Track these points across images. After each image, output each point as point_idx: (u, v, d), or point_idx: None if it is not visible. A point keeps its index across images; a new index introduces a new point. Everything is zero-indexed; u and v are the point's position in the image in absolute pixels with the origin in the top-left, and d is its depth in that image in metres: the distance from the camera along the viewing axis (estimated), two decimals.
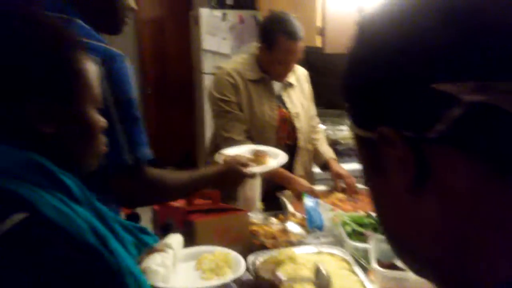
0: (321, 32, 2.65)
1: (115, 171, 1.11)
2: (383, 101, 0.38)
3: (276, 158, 1.74)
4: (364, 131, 0.41)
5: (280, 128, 2.09)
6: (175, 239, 1.22)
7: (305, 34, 2.84)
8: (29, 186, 0.61)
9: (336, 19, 2.60)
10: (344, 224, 1.62)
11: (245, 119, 2.02)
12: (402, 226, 0.41)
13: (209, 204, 1.54)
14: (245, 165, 1.51)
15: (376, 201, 0.44)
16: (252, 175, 1.55)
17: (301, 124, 2.13)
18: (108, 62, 1.09)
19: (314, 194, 1.94)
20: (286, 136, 2.11)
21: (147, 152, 1.16)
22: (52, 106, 0.66)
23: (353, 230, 1.61)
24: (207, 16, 3.98)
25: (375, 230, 1.59)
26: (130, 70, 1.15)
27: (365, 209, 1.93)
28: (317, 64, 3.65)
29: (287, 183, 2.03)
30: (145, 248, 0.77)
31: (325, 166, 2.21)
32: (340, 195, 2.06)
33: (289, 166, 2.12)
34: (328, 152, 2.25)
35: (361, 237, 1.57)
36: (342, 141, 2.87)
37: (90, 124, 0.72)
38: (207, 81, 4.11)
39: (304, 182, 2.03)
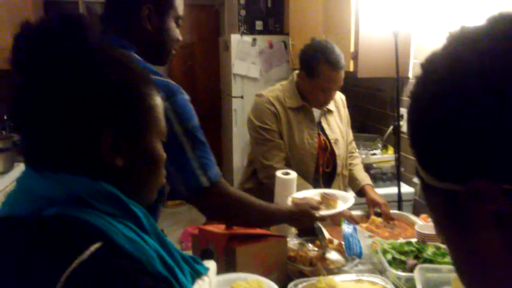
0: (354, 56, 2.66)
1: (193, 193, 1.23)
2: (478, 153, 0.36)
3: (345, 201, 1.78)
4: (446, 183, 0.39)
5: (319, 156, 2.08)
6: (210, 266, 1.22)
7: None
8: (102, 216, 0.63)
9: (369, 44, 2.61)
10: (384, 251, 1.59)
11: (285, 147, 2.03)
12: (499, 283, 0.38)
13: (247, 229, 1.54)
14: (316, 208, 1.59)
15: (461, 257, 0.42)
16: (322, 218, 1.62)
17: (340, 151, 2.12)
18: (171, 96, 1.17)
19: (353, 220, 1.92)
20: (325, 164, 2.10)
21: (217, 171, 1.28)
22: (124, 139, 0.68)
23: (393, 258, 1.57)
24: (237, 42, 4.06)
25: (416, 258, 1.56)
26: (188, 100, 1.24)
27: (402, 236, 1.90)
28: (350, 88, 3.66)
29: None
30: (197, 278, 0.77)
31: (361, 192, 2.18)
32: (377, 221, 2.03)
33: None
34: (364, 178, 2.21)
35: (402, 265, 1.54)
36: (375, 165, 2.84)
37: (157, 156, 0.74)
38: (235, 105, 4.17)
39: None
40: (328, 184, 2.13)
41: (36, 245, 0.61)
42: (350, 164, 2.24)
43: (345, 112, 2.24)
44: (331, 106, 2.14)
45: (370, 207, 2.10)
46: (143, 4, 1.25)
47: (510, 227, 0.35)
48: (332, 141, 2.10)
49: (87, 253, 0.57)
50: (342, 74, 1.98)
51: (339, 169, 2.12)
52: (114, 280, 0.57)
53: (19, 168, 3.00)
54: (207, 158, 1.25)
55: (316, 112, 2.10)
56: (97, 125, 0.65)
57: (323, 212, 1.63)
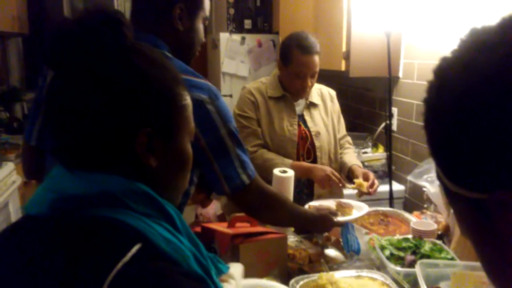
0: (346, 56, 2.69)
1: (236, 191, 1.28)
2: (501, 164, 0.36)
3: (360, 209, 1.85)
4: (471, 192, 0.40)
5: (299, 145, 2.13)
6: (237, 269, 1.22)
7: (330, 58, 2.89)
8: (139, 217, 0.62)
9: (361, 44, 2.64)
10: (382, 248, 1.62)
11: (264, 133, 2.11)
12: None
13: (248, 227, 1.55)
14: (335, 214, 1.67)
15: (489, 262, 0.43)
16: (339, 224, 1.67)
17: (321, 143, 2.16)
18: (214, 99, 1.22)
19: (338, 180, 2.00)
20: (305, 154, 2.15)
21: (253, 167, 1.34)
22: (158, 139, 0.67)
23: (391, 254, 1.60)
24: (226, 40, 4.05)
25: (414, 253, 1.59)
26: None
27: (396, 232, 1.93)
28: (342, 87, 3.69)
29: (309, 174, 2.05)
30: (219, 276, 0.77)
31: (349, 173, 2.19)
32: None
33: (310, 184, 2.18)
34: (352, 160, 2.21)
35: (400, 261, 1.57)
36: (366, 163, 2.88)
37: (187, 156, 0.74)
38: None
39: (323, 167, 2.05)
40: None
41: (76, 248, 0.60)
42: (341, 153, 2.27)
43: (333, 106, 2.26)
44: (316, 99, 2.19)
45: (359, 176, 2.08)
46: (175, 3, 1.25)
47: None
48: (313, 133, 2.15)
49: (129, 255, 0.57)
50: (315, 59, 2.04)
51: (322, 161, 2.15)
52: (159, 283, 0.56)
53: (7, 167, 2.94)
54: (246, 155, 1.31)
55: (299, 104, 2.17)
56: (134, 124, 0.65)
57: (341, 218, 1.71)
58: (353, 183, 2.08)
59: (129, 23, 0.67)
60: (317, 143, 2.15)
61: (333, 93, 2.31)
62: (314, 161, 2.16)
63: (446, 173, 0.43)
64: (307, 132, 2.15)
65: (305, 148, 2.15)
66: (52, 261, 0.60)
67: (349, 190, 2.16)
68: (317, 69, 2.07)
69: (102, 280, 0.55)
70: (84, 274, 0.57)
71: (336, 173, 2.02)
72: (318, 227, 1.67)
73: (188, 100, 0.74)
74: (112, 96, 0.64)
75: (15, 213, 2.92)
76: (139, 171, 0.67)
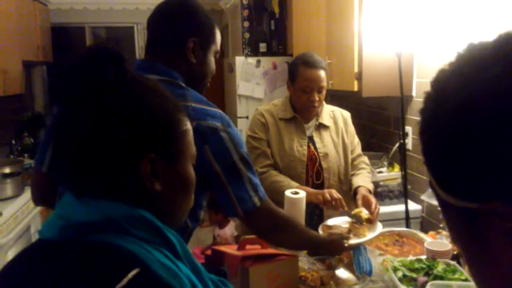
0: (358, 76, 2.71)
1: (248, 213, 1.32)
2: (494, 175, 0.37)
3: (373, 229, 1.84)
4: (462, 201, 0.41)
5: (309, 166, 2.15)
6: None
7: (342, 79, 2.92)
8: (139, 243, 0.65)
9: (372, 64, 2.66)
10: (395, 269, 1.61)
11: (273, 154, 2.15)
12: None
13: (259, 249, 1.56)
14: (347, 238, 1.69)
15: (479, 272, 0.44)
16: (351, 248, 1.69)
17: (328, 164, 2.17)
18: (226, 126, 1.29)
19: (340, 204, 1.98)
20: (313, 175, 2.16)
21: (263, 190, 1.38)
22: (162, 164, 0.71)
23: (404, 275, 1.59)
24: (242, 63, 4.13)
25: (426, 275, 1.57)
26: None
27: (411, 253, 1.91)
28: (355, 107, 3.70)
29: (312, 198, 1.99)
30: None
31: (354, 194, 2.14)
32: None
33: (318, 206, 2.14)
34: (359, 182, 2.16)
35: (413, 283, 1.55)
36: (382, 183, 2.86)
37: (190, 180, 0.77)
38: (240, 125, 4.21)
39: (325, 190, 2.01)
40: None
41: (76, 271, 0.63)
42: (352, 174, 2.24)
43: (347, 127, 2.27)
44: (327, 121, 2.21)
45: (358, 202, 2.02)
46: (189, 37, 1.33)
47: None
48: (321, 154, 2.16)
49: (125, 280, 0.59)
50: (321, 73, 2.09)
51: (330, 182, 2.16)
52: None
53: (29, 192, 3.03)
54: (256, 178, 1.36)
55: (310, 127, 2.20)
56: (137, 151, 0.68)
57: (353, 241, 1.71)
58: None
59: (129, 59, 0.71)
60: (324, 165, 2.16)
61: (346, 114, 2.31)
62: (323, 182, 2.16)
63: (439, 182, 0.44)
64: (316, 153, 2.17)
65: (314, 169, 2.16)
66: (54, 284, 0.63)
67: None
68: (323, 84, 2.11)
69: None
70: None
71: (335, 195, 1.98)
72: (329, 251, 1.70)
73: (188, 126, 0.77)
74: (115, 126, 0.67)
75: (36, 237, 2.99)
76: (143, 196, 0.70)
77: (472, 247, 0.43)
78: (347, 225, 1.86)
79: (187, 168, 0.77)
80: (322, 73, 2.10)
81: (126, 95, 0.69)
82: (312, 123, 2.21)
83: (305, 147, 2.15)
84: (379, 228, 1.85)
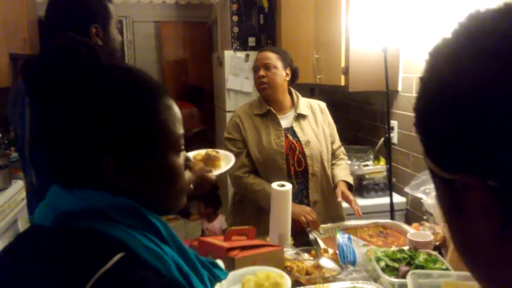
0: (345, 71, 2.74)
1: None
2: (469, 147, 0.39)
3: (227, 161, 1.88)
4: (445, 173, 0.42)
5: (289, 156, 2.22)
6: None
7: (330, 73, 2.95)
8: (123, 228, 0.66)
9: (359, 59, 2.69)
10: (378, 259, 1.64)
11: (253, 150, 2.23)
12: (486, 265, 0.42)
13: (245, 241, 1.59)
14: (210, 171, 1.58)
15: (456, 238, 0.46)
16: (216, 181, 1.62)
17: (311, 151, 2.24)
18: None
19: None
20: (295, 163, 2.23)
21: None
22: (130, 159, 0.71)
23: (387, 265, 1.62)
24: (231, 58, 4.13)
25: (408, 264, 1.61)
26: None
27: (394, 244, 1.95)
28: (342, 101, 3.74)
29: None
30: (216, 282, 0.80)
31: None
32: (371, 231, 2.08)
33: (305, 192, 2.26)
34: (340, 174, 2.29)
35: (395, 272, 1.59)
36: (367, 176, 2.90)
37: (172, 169, 0.76)
38: (229, 119, 4.22)
39: (302, 208, 2.13)
40: (304, 184, 2.26)
41: (62, 256, 0.65)
42: (333, 164, 2.36)
43: (324, 117, 2.36)
44: (304, 111, 2.31)
45: (338, 195, 2.17)
46: (89, 25, 1.44)
47: (494, 219, 0.39)
48: (303, 142, 2.24)
49: (110, 263, 0.61)
50: (267, 54, 2.26)
51: (310, 168, 2.24)
52: (135, 287, 0.61)
53: (17, 185, 3.02)
54: None
55: (288, 117, 2.30)
56: (98, 149, 0.69)
57: (215, 172, 1.68)
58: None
59: (99, 49, 0.72)
60: (307, 152, 2.23)
61: (322, 105, 2.40)
62: (306, 169, 2.24)
63: (427, 151, 0.45)
64: (295, 142, 2.24)
65: (295, 158, 2.23)
66: (40, 267, 0.65)
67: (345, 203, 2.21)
68: (269, 61, 2.23)
69: (83, 285, 0.59)
70: (66, 280, 0.62)
71: (313, 215, 2.10)
72: (199, 191, 1.53)
73: (167, 114, 0.74)
74: (79, 120, 0.68)
75: (24, 229, 2.98)
76: (112, 190, 0.70)
77: (451, 215, 0.45)
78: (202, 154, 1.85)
79: (167, 158, 0.75)
80: (269, 54, 2.25)
81: (93, 89, 0.69)
82: (291, 114, 2.30)
83: (282, 139, 2.23)
84: (232, 158, 1.89)
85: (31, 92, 0.71)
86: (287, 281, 1.38)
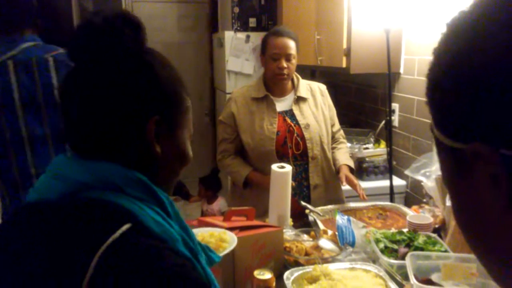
0: (347, 53, 2.71)
1: None
2: (482, 117, 0.38)
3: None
4: (453, 141, 0.42)
5: (287, 138, 2.21)
6: None
7: (331, 55, 2.92)
8: (132, 200, 0.68)
9: (361, 41, 2.66)
10: (377, 241, 1.65)
11: (244, 135, 2.23)
12: (492, 238, 0.42)
13: (244, 221, 1.59)
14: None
15: (461, 211, 0.45)
16: None
17: (311, 134, 2.23)
18: None
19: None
20: (293, 146, 2.22)
21: None
22: (165, 128, 0.74)
23: (386, 247, 1.63)
24: (231, 39, 4.09)
25: (407, 246, 1.61)
26: None
27: (394, 226, 1.96)
28: (343, 84, 3.72)
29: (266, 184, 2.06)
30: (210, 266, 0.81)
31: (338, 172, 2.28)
32: (370, 213, 2.09)
33: (304, 174, 2.25)
34: (343, 159, 2.30)
35: (394, 254, 1.60)
36: (367, 159, 2.90)
37: (186, 153, 0.81)
38: None
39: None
40: (303, 167, 2.25)
41: (71, 225, 0.65)
42: (333, 148, 2.36)
43: (324, 100, 2.34)
44: (304, 93, 2.28)
45: (342, 180, 2.18)
46: None
47: (504, 189, 0.38)
48: (302, 126, 2.23)
49: (118, 232, 0.62)
50: (288, 42, 2.16)
51: (310, 152, 2.23)
52: (145, 257, 0.61)
53: None
54: None
55: (287, 99, 2.28)
56: (144, 113, 0.72)
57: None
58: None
59: (145, 29, 0.75)
60: (306, 135, 2.22)
61: (323, 87, 2.38)
62: (304, 152, 2.23)
63: (436, 121, 0.45)
64: (293, 125, 2.22)
65: (293, 140, 2.22)
66: (50, 238, 0.65)
67: (346, 186, 2.20)
68: (291, 51, 2.17)
69: (92, 254, 0.60)
70: (76, 249, 0.62)
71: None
72: None
73: (189, 104, 0.81)
74: (125, 89, 0.70)
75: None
76: (141, 160, 0.73)
77: (458, 188, 0.44)
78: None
79: (185, 141, 0.80)
80: (290, 42, 2.17)
81: (139, 62, 0.73)
82: (290, 96, 2.27)
83: (275, 125, 2.21)
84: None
85: (76, 54, 0.72)
86: (231, 236, 1.39)
